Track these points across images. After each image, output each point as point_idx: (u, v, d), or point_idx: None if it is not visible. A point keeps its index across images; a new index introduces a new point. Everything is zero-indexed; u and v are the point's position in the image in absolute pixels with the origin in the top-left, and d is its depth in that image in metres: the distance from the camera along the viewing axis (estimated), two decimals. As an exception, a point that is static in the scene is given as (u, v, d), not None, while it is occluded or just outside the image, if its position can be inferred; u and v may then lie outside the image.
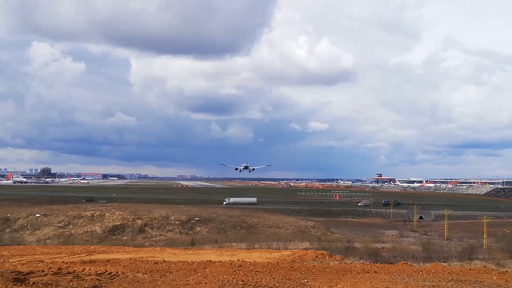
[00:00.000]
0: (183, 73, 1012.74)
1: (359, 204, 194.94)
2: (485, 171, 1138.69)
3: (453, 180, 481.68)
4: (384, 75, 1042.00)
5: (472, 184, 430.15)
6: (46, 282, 17.26)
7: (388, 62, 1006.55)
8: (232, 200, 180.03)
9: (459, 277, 25.84)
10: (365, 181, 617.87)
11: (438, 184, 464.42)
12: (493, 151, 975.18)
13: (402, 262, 35.38)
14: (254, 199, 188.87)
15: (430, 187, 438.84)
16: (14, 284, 14.26)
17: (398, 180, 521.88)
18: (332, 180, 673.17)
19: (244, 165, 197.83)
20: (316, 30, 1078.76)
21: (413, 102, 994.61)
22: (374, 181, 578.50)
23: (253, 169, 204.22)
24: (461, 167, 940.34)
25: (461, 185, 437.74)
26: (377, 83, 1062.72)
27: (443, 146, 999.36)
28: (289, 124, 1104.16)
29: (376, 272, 28.49)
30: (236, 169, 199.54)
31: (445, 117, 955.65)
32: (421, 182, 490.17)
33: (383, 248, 57.90)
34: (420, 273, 27.99)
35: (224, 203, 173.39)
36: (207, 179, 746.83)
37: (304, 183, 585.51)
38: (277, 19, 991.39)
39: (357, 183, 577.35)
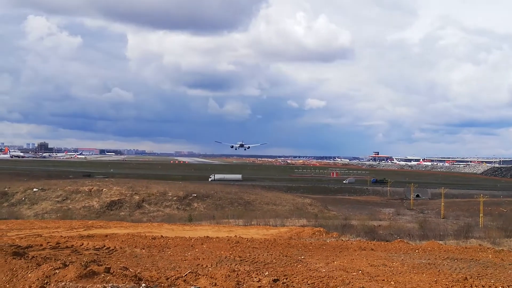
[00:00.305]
0: (180, 49, 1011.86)
1: (344, 181, 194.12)
2: (482, 150, 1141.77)
3: (450, 159, 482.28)
4: (382, 52, 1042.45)
5: (469, 163, 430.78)
6: (45, 256, 17.30)
7: (385, 39, 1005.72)
8: (217, 176, 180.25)
9: (455, 255, 25.95)
10: (362, 159, 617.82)
11: (435, 163, 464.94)
12: (490, 130, 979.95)
13: (399, 240, 35.54)
14: (239, 176, 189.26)
15: (427, 166, 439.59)
16: (13, 258, 14.27)
17: (396, 159, 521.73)
18: (329, 157, 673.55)
19: (240, 143, 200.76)
20: (313, 7, 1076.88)
21: (410, 80, 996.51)
22: (371, 159, 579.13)
23: (248, 147, 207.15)
24: (458, 145, 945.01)
25: (458, 164, 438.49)
26: (375, 61, 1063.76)
27: (440, 125, 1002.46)
28: (286, 101, 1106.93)
29: (372, 249, 28.62)
30: (232, 147, 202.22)
31: (442, 96, 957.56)
32: (418, 160, 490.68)
33: (379, 226, 58.18)
34: (416, 251, 28.10)
35: (210, 179, 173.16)
36: (204, 156, 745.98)
37: (301, 161, 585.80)
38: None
39: (354, 161, 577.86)
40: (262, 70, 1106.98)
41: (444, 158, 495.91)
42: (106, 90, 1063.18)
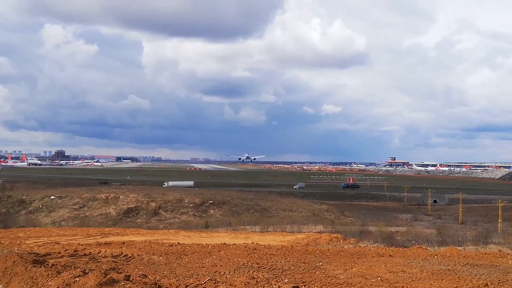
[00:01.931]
0: (195, 56, 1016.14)
1: (294, 187, 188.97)
2: (500, 155, 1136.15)
3: (468, 164, 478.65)
4: (398, 57, 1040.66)
5: (486, 168, 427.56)
6: (64, 264, 17.38)
7: (401, 44, 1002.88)
8: (170, 183, 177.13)
9: (474, 261, 25.71)
10: (379, 164, 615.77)
11: (452, 168, 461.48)
12: (508, 134, 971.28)
13: (417, 246, 35.32)
14: (191, 183, 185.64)
15: (444, 171, 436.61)
16: (33, 266, 14.35)
17: (415, 164, 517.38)
18: (346, 163, 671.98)
19: (246, 155, 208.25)
20: (329, 12, 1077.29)
21: (426, 85, 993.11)
22: (387, 164, 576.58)
23: (254, 159, 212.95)
24: (476, 150, 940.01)
25: (476, 169, 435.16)
26: (391, 66, 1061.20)
27: (458, 130, 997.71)
28: (302, 107, 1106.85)
29: (390, 255, 28.46)
30: (239, 159, 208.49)
31: (459, 100, 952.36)
32: (435, 165, 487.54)
33: (397, 231, 57.91)
34: (435, 257, 27.89)
35: (164, 185, 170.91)
36: (220, 162, 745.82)
37: (318, 167, 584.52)
38: (290, 1, 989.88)
39: (370, 167, 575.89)
40: (277, 76, 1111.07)
41: (462, 163, 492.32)
42: (122, 97, 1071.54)
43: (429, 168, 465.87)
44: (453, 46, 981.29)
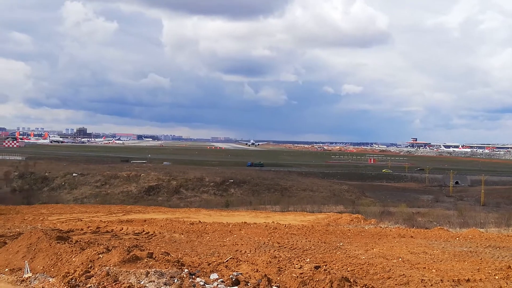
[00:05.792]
0: (215, 34, 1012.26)
1: (164, 163, 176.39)
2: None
3: (490, 145, 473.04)
4: (420, 37, 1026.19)
5: (509, 150, 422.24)
6: (88, 240, 17.56)
7: (424, 24, 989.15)
8: None
9: (496, 243, 25.52)
10: (400, 145, 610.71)
11: (475, 149, 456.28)
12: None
13: (438, 227, 35.10)
14: None
15: (466, 152, 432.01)
16: (57, 242, 14.50)
17: (443, 145, 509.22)
18: (367, 144, 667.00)
19: (252, 141, 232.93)
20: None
21: (449, 65, 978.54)
22: (409, 145, 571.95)
23: (258, 144, 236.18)
24: (499, 132, 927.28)
25: (498, 151, 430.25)
26: (413, 46, 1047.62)
27: (480, 111, 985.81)
28: (322, 86, 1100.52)
29: (412, 237, 28.36)
30: (246, 144, 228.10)
31: (481, 81, 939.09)
32: (457, 147, 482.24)
33: (418, 212, 57.51)
34: (457, 238, 27.72)
35: None
36: (241, 141, 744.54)
37: (338, 147, 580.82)
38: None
39: (391, 147, 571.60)
40: (298, 55, 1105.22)
41: (484, 144, 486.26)
42: (143, 75, 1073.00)
43: (456, 149, 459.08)
44: (476, 26, 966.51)
